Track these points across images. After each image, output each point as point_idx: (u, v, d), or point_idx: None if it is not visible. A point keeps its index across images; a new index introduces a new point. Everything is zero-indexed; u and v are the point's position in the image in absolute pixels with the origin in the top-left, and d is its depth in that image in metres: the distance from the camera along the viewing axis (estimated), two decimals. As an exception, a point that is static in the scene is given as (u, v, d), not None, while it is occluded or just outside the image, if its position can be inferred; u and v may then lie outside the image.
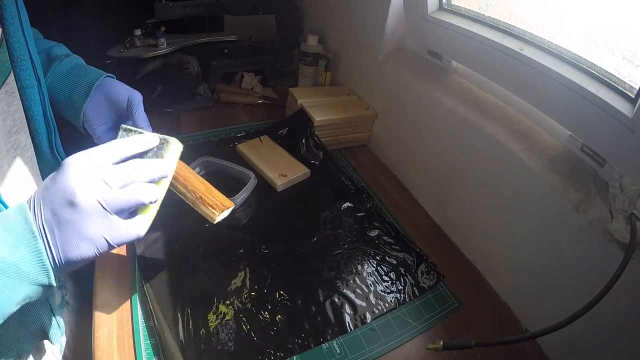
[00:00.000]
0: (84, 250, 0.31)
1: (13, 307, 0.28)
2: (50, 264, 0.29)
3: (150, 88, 0.91)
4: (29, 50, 0.40)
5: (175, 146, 0.42)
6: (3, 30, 0.37)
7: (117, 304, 0.53)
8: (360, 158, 0.91)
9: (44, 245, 0.29)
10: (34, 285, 0.28)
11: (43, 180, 0.46)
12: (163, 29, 0.93)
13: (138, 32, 0.91)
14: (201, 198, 0.49)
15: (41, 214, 0.30)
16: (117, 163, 0.36)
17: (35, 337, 0.43)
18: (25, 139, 0.42)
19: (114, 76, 0.54)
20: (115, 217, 0.33)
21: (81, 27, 1.06)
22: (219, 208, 0.50)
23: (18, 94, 0.40)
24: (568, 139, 0.54)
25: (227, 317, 0.53)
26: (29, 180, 0.43)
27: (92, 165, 0.33)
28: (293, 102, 0.91)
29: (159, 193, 0.38)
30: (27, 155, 0.43)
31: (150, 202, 0.37)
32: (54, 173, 0.33)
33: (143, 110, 0.52)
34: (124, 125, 0.42)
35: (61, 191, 0.30)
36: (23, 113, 0.42)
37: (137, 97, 0.52)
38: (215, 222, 0.51)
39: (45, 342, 0.46)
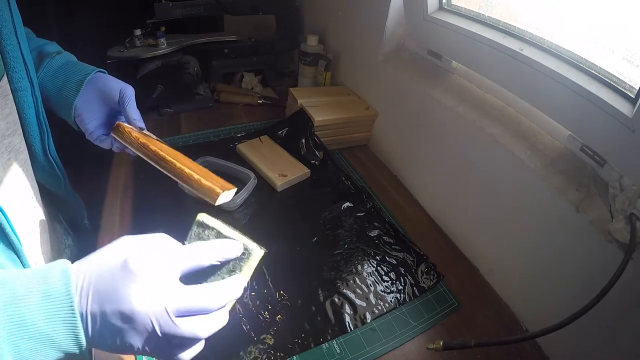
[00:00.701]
0: (119, 349, 0.30)
1: None
2: (84, 343, 0.28)
3: (150, 88, 0.91)
4: (22, 52, 0.40)
5: (257, 257, 0.35)
6: None
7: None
8: (360, 158, 0.91)
9: (83, 328, 0.28)
10: (63, 353, 0.28)
11: (37, 181, 0.46)
12: (163, 29, 0.93)
13: (138, 32, 0.91)
14: (201, 179, 0.45)
15: (88, 302, 0.28)
16: (186, 272, 0.32)
17: None
18: (19, 141, 0.42)
19: (105, 71, 0.54)
20: (164, 341, 0.30)
21: (81, 28, 1.06)
22: (221, 187, 0.45)
23: (12, 97, 0.40)
24: (568, 139, 0.54)
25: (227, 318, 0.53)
26: (23, 183, 0.43)
27: (158, 280, 0.30)
28: (293, 102, 0.91)
29: (218, 326, 0.33)
30: (21, 157, 0.42)
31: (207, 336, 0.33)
32: (113, 263, 0.29)
33: (135, 104, 0.51)
34: (200, 219, 0.35)
35: (118, 298, 0.29)
36: (17, 115, 0.41)
37: (130, 91, 0.51)
38: (216, 204, 0.46)
39: None
